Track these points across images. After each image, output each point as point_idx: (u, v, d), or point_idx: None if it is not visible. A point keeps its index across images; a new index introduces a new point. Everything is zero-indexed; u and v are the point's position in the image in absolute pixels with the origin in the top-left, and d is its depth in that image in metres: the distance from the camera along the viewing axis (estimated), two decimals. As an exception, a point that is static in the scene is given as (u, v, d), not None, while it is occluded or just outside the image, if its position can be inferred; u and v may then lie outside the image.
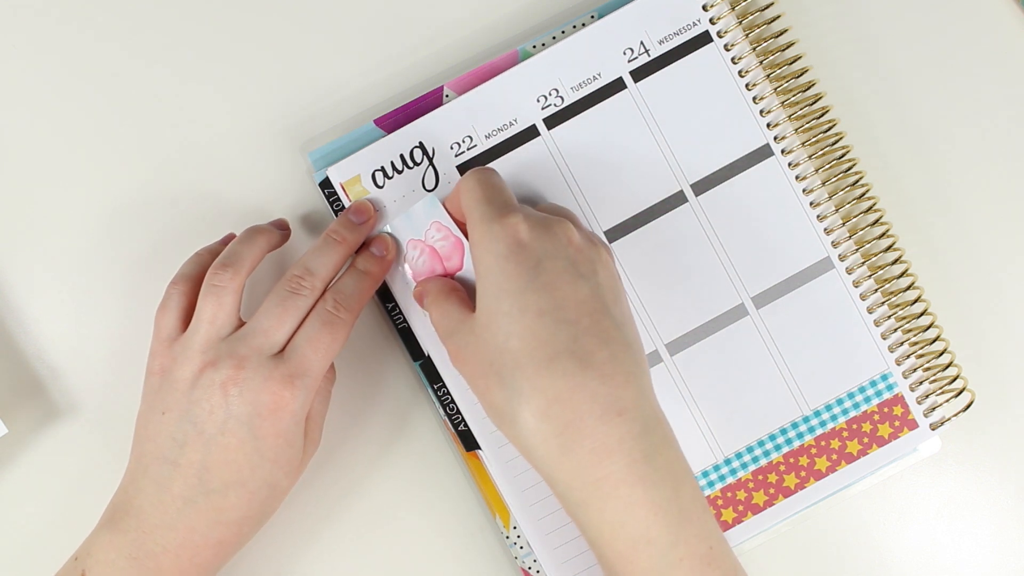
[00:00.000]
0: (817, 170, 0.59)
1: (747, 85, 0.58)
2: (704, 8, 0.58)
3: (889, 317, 0.59)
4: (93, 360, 0.60)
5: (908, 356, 0.59)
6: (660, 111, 0.58)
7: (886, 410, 0.59)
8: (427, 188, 0.57)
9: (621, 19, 0.58)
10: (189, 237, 0.59)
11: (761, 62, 0.58)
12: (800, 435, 0.59)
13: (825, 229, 0.58)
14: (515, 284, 0.49)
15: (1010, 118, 0.61)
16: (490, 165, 0.58)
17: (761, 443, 0.59)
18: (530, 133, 0.58)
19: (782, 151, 0.58)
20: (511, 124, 0.58)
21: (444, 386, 0.58)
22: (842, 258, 0.58)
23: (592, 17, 0.59)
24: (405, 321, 0.58)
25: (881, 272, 0.59)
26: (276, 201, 0.60)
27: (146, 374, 0.54)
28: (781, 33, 0.58)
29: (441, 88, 0.58)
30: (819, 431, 0.59)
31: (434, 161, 0.57)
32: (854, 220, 0.59)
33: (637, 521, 0.47)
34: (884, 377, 0.59)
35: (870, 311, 0.59)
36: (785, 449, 0.59)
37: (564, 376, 0.47)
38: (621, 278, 0.55)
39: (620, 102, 0.58)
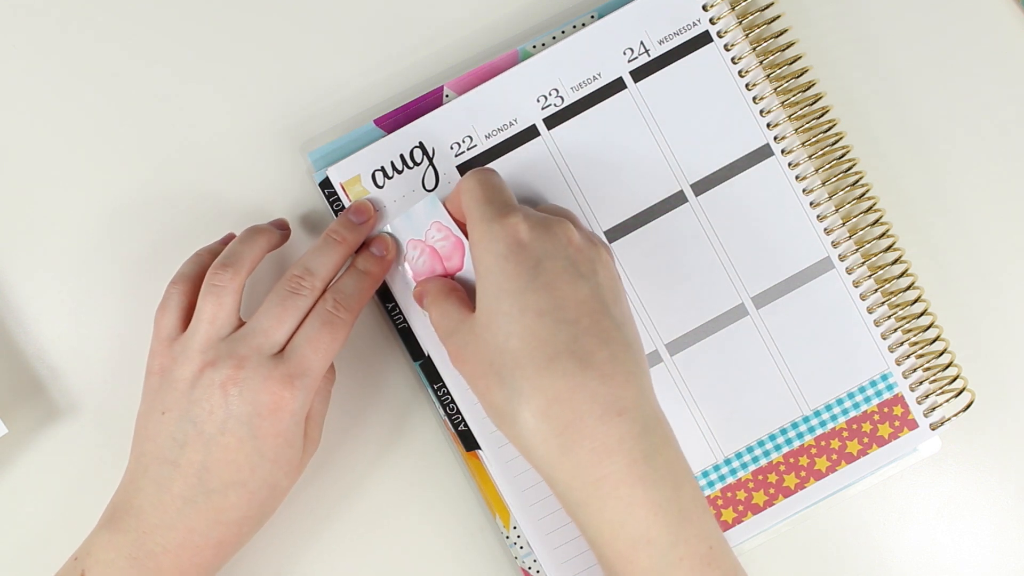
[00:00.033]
0: (817, 170, 0.59)
1: (747, 85, 0.58)
2: (704, 8, 0.58)
3: (889, 317, 0.59)
4: (93, 360, 0.60)
5: (908, 356, 0.59)
6: (660, 111, 0.58)
7: (886, 410, 0.59)
8: (427, 188, 0.57)
9: (621, 19, 0.58)
10: (189, 237, 0.59)
11: (761, 62, 0.58)
12: (800, 435, 0.59)
13: (825, 229, 0.58)
14: (515, 284, 0.49)
15: (1010, 118, 0.61)
16: (490, 165, 0.58)
17: (761, 443, 0.59)
18: (530, 133, 0.58)
19: (782, 151, 0.58)
20: (511, 124, 0.58)
21: (444, 386, 0.58)
22: (842, 258, 0.58)
23: (592, 17, 0.59)
24: (405, 321, 0.58)
25: (881, 272, 0.59)
26: (276, 201, 0.60)
27: (146, 374, 0.54)
28: (781, 33, 0.58)
29: (441, 88, 0.58)
30: (819, 431, 0.59)
31: (434, 161, 0.57)
32: (854, 220, 0.59)
33: (637, 521, 0.47)
34: (884, 377, 0.59)
35: (870, 311, 0.59)
36: (785, 449, 0.59)
37: (564, 376, 0.47)
38: (621, 278, 0.55)
39: (620, 102, 0.58)
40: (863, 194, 0.59)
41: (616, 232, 0.58)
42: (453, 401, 0.58)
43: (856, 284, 0.59)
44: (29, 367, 0.59)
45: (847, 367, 0.58)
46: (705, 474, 0.58)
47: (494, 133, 0.58)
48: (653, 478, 0.47)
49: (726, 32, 0.58)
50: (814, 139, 0.58)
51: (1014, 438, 0.62)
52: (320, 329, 0.53)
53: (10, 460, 0.59)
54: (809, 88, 0.58)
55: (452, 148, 0.57)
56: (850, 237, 0.59)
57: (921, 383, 0.59)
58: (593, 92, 0.58)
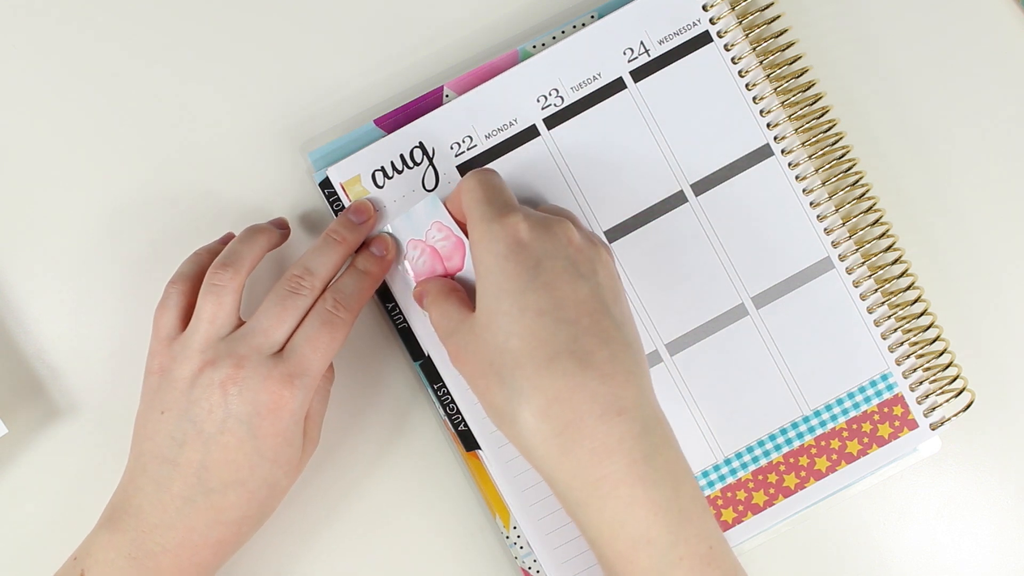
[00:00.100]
0: (817, 170, 0.59)
1: (747, 85, 0.58)
2: (704, 8, 0.58)
3: (889, 317, 0.59)
4: (93, 360, 0.60)
5: (908, 356, 0.59)
6: (660, 111, 0.58)
7: (886, 410, 0.59)
8: (427, 188, 0.57)
9: (621, 19, 0.58)
10: (189, 237, 0.59)
11: (761, 62, 0.58)
12: (800, 435, 0.59)
13: (825, 229, 0.58)
14: (515, 284, 0.49)
15: (1010, 118, 0.61)
16: (490, 165, 0.58)
17: (761, 443, 0.58)
18: (530, 133, 0.58)
19: (782, 151, 0.58)
20: (511, 124, 0.58)
21: (444, 386, 0.58)
22: (842, 258, 0.58)
23: (592, 17, 0.59)
24: (405, 321, 0.58)
25: (881, 272, 0.59)
26: (276, 201, 0.60)
27: (145, 373, 0.54)
28: (781, 33, 0.58)
29: (441, 88, 0.58)
30: (819, 431, 0.59)
31: (434, 161, 0.57)
32: (854, 220, 0.59)
33: (637, 521, 0.47)
34: (884, 377, 0.59)
35: (870, 311, 0.59)
36: (785, 449, 0.59)
37: (564, 376, 0.47)
38: (621, 278, 0.55)
39: (620, 102, 0.58)
40: (863, 194, 0.59)
41: (616, 232, 0.58)
42: (453, 401, 0.58)
43: (856, 284, 0.59)
44: (29, 367, 0.59)
45: (847, 367, 0.58)
46: (705, 474, 0.58)
47: (494, 133, 0.58)
48: (653, 478, 0.47)
49: (726, 32, 0.58)
50: (814, 139, 0.58)
51: (1014, 438, 0.62)
52: (320, 329, 0.53)
53: (10, 460, 0.59)
54: (809, 88, 0.58)
55: (452, 148, 0.57)
56: (850, 237, 0.59)
57: (921, 383, 0.59)
58: (593, 92, 0.58)
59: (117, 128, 0.60)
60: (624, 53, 0.58)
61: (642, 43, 0.58)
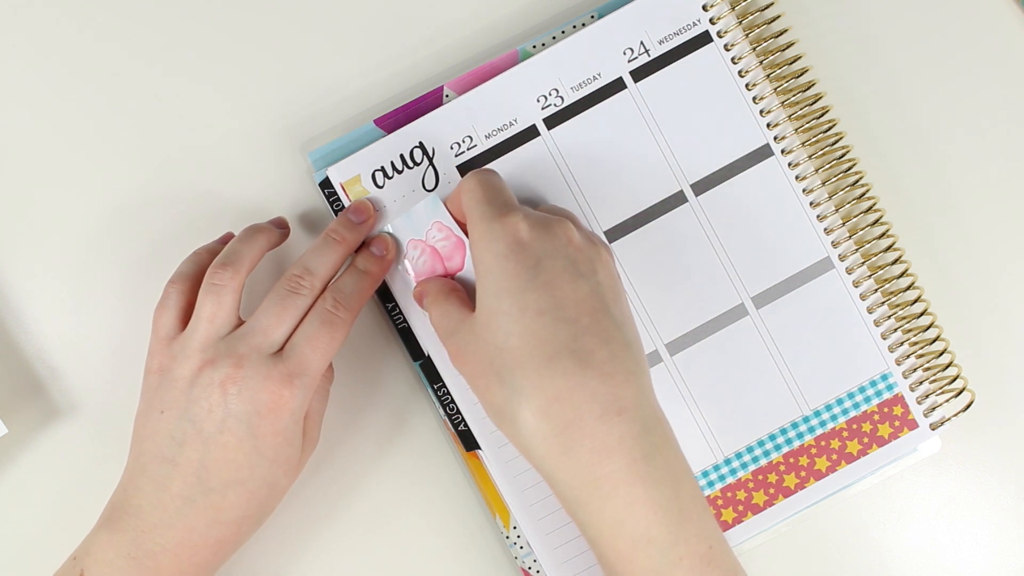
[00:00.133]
0: (817, 170, 0.59)
1: (747, 85, 0.58)
2: (704, 8, 0.58)
3: (889, 317, 0.59)
4: (93, 360, 0.60)
5: (908, 356, 0.59)
6: (660, 111, 0.58)
7: (886, 410, 0.59)
8: (427, 188, 0.57)
9: (621, 19, 0.58)
10: (189, 237, 0.59)
11: (761, 62, 0.58)
12: (800, 435, 0.59)
13: (825, 229, 0.58)
14: (515, 283, 0.49)
15: (1010, 118, 0.61)
16: (490, 165, 0.58)
17: (761, 443, 0.58)
18: (530, 133, 0.58)
19: (782, 151, 0.58)
20: (511, 124, 0.58)
21: (444, 386, 0.58)
22: (842, 258, 0.58)
23: (592, 17, 0.59)
24: (405, 321, 0.58)
25: (881, 272, 0.59)
26: (276, 201, 0.60)
27: (145, 373, 0.54)
28: (781, 33, 0.58)
29: (441, 88, 0.58)
30: (819, 431, 0.59)
31: (434, 161, 0.57)
32: (854, 220, 0.59)
33: (637, 520, 0.47)
34: (884, 377, 0.59)
35: (870, 311, 0.59)
36: (785, 449, 0.59)
37: (564, 375, 0.47)
38: (621, 278, 0.55)
39: (620, 102, 0.58)
40: (863, 194, 0.59)
41: (616, 232, 0.58)
42: (453, 401, 0.58)
43: (856, 284, 0.59)
44: (29, 367, 0.59)
45: (847, 367, 0.58)
46: (705, 474, 0.58)
47: (494, 133, 0.58)
48: (653, 477, 0.47)
49: (726, 32, 0.58)
50: (814, 139, 0.59)
51: (1014, 438, 0.62)
52: (319, 328, 0.53)
53: (10, 460, 0.59)
54: (809, 88, 0.58)
55: (452, 148, 0.57)
56: (850, 237, 0.59)
57: (921, 383, 0.59)
58: (593, 92, 0.58)
59: (117, 128, 0.60)
60: (624, 53, 0.58)
61: (642, 43, 0.58)
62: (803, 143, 0.58)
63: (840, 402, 0.59)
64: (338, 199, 0.58)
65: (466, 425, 0.58)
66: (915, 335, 0.59)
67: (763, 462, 0.59)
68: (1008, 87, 0.62)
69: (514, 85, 0.57)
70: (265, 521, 0.54)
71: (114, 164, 0.60)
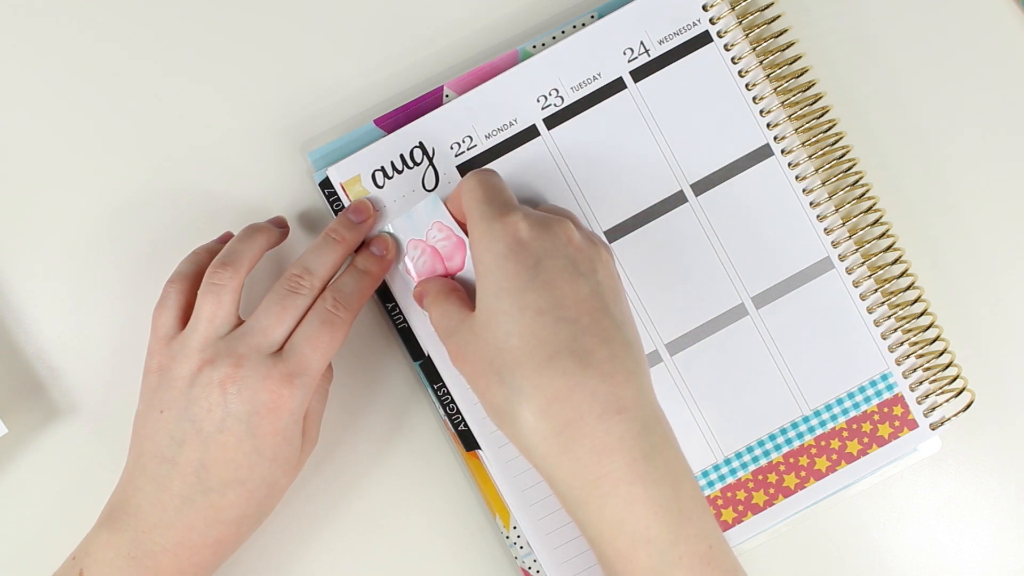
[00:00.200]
0: (817, 170, 0.59)
1: (747, 85, 0.58)
2: (704, 8, 0.58)
3: (889, 317, 0.59)
4: (93, 360, 0.60)
5: (908, 356, 0.59)
6: (660, 111, 0.58)
7: (886, 410, 0.59)
8: (427, 188, 0.57)
9: (621, 19, 0.58)
10: (189, 237, 0.59)
11: (761, 62, 0.58)
12: (800, 435, 0.59)
13: (825, 229, 0.58)
14: (515, 283, 0.49)
15: (1010, 118, 0.61)
16: (490, 165, 0.58)
17: (761, 443, 0.58)
18: (530, 133, 0.58)
19: (782, 151, 0.58)
20: (511, 124, 0.58)
21: (444, 386, 0.58)
22: (842, 258, 0.58)
23: (592, 17, 0.59)
24: (405, 321, 0.58)
25: (881, 272, 0.59)
26: (276, 201, 0.60)
27: (144, 373, 0.54)
28: (781, 33, 0.58)
29: (441, 88, 0.58)
30: (819, 431, 0.59)
31: (434, 161, 0.57)
32: (854, 220, 0.59)
33: (637, 520, 0.47)
34: (884, 377, 0.59)
35: (870, 311, 0.59)
36: (785, 449, 0.59)
37: (564, 375, 0.47)
38: (621, 278, 0.55)
39: (620, 102, 0.58)
40: (863, 194, 0.59)
41: (616, 232, 0.58)
42: (453, 401, 0.58)
43: (856, 284, 0.59)
44: (29, 367, 0.59)
45: (847, 367, 0.58)
46: (705, 474, 0.58)
47: (494, 133, 0.58)
48: (653, 477, 0.47)
49: (726, 32, 0.58)
50: (814, 139, 0.59)
51: (1014, 438, 0.62)
52: (319, 328, 0.53)
53: (10, 460, 0.59)
54: (809, 88, 0.58)
55: (452, 148, 0.57)
56: (850, 237, 0.59)
57: (921, 383, 0.59)
58: (593, 92, 0.58)
59: (117, 128, 0.60)
60: (624, 53, 0.58)
61: (642, 43, 0.58)
62: (803, 143, 0.58)
63: (840, 402, 0.59)
64: (338, 199, 0.58)
65: (466, 425, 0.58)
66: (915, 335, 0.59)
67: (763, 462, 0.59)
68: (1008, 87, 0.62)
69: (514, 85, 0.58)
70: (264, 521, 0.54)
71: (114, 164, 0.60)
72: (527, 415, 0.48)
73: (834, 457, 0.59)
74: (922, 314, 0.59)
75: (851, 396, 0.59)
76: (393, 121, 0.58)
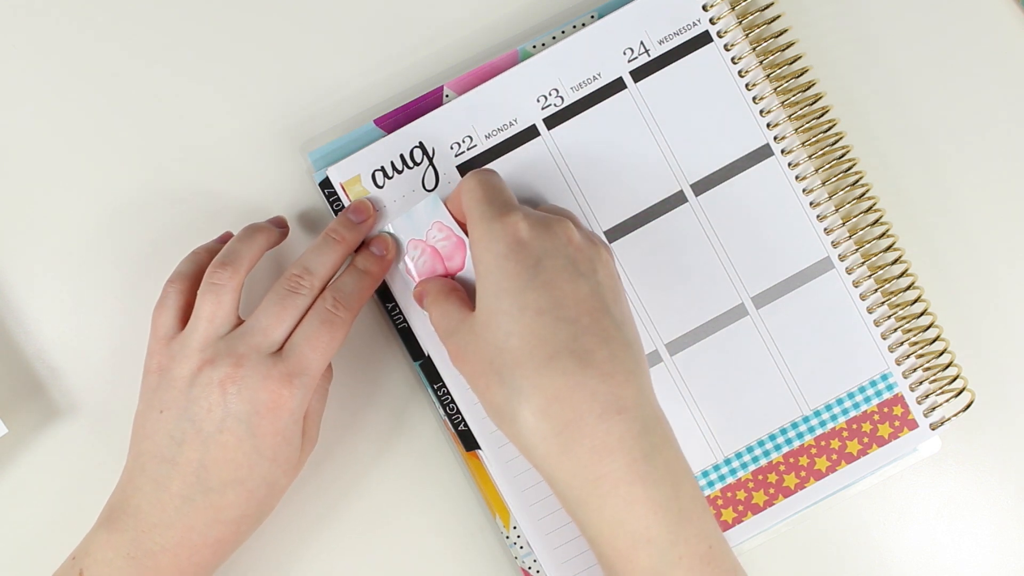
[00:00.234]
0: (817, 170, 0.59)
1: (747, 85, 0.58)
2: (704, 8, 0.58)
3: (889, 317, 0.59)
4: (93, 360, 0.60)
5: (908, 356, 0.59)
6: (660, 111, 0.58)
7: (886, 410, 0.59)
8: (427, 188, 0.57)
9: (621, 19, 0.58)
10: (189, 237, 0.59)
11: (761, 62, 0.58)
12: (800, 435, 0.59)
13: (825, 229, 0.58)
14: (515, 283, 0.49)
15: (1010, 118, 0.61)
16: (490, 165, 0.58)
17: (761, 443, 0.58)
18: (530, 133, 0.58)
19: (782, 151, 0.58)
20: (511, 124, 0.58)
21: (444, 386, 0.58)
22: (842, 258, 0.58)
23: (592, 17, 0.59)
24: (405, 321, 0.58)
25: (881, 272, 0.59)
26: (276, 201, 0.60)
27: (144, 373, 0.54)
28: (781, 33, 0.58)
29: (441, 88, 0.58)
30: (819, 431, 0.59)
31: (434, 161, 0.57)
32: (854, 220, 0.59)
33: (637, 520, 0.47)
34: (884, 377, 0.59)
35: (870, 311, 0.59)
36: (785, 449, 0.59)
37: (564, 374, 0.47)
38: (621, 278, 0.55)
39: (620, 102, 0.58)
40: (863, 194, 0.59)
41: (616, 232, 0.58)
42: (453, 401, 0.58)
43: (856, 284, 0.59)
44: (29, 367, 0.59)
45: (847, 367, 0.58)
46: (705, 474, 0.58)
47: (494, 133, 0.58)
48: (653, 477, 0.47)
49: (726, 32, 0.58)
50: (814, 139, 0.59)
51: (1014, 438, 0.62)
52: (319, 328, 0.53)
53: (10, 460, 0.59)
54: (809, 88, 0.58)
55: (452, 148, 0.57)
56: (850, 237, 0.59)
57: (921, 383, 0.59)
58: (593, 92, 0.58)
59: (117, 128, 0.60)
60: (624, 53, 0.58)
61: (642, 43, 0.58)
62: (803, 143, 0.58)
63: (840, 402, 0.59)
64: (338, 199, 0.58)
65: (466, 425, 0.58)
66: (915, 335, 0.59)
67: (763, 462, 0.59)
68: (1008, 87, 0.62)
69: (514, 85, 0.58)
70: (264, 520, 0.54)
71: (114, 164, 0.60)
72: (527, 415, 0.48)
73: (834, 457, 0.59)
74: (922, 314, 0.59)
75: (851, 396, 0.59)
76: (393, 121, 0.58)
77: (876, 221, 0.59)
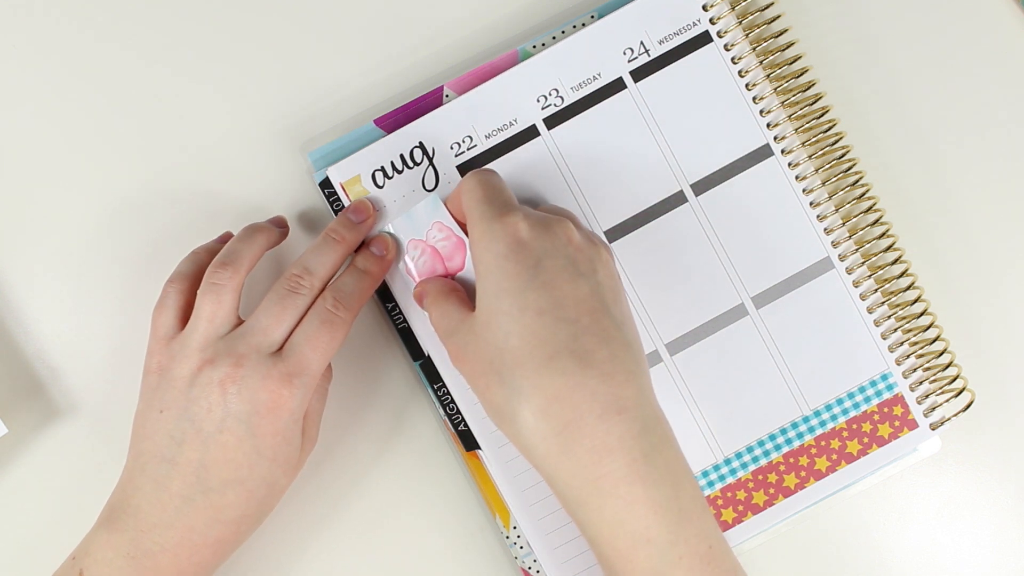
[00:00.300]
0: (817, 170, 0.59)
1: (747, 85, 0.58)
2: (704, 8, 0.58)
3: (889, 317, 0.59)
4: (93, 360, 0.60)
5: (908, 356, 0.59)
6: (660, 111, 0.58)
7: (886, 410, 0.59)
8: (427, 188, 0.57)
9: (621, 19, 0.58)
10: (189, 237, 0.59)
11: (761, 62, 0.58)
12: (800, 435, 0.59)
13: (825, 229, 0.58)
14: (515, 283, 0.49)
15: (1010, 118, 0.61)
16: (490, 165, 0.58)
17: (761, 443, 0.58)
18: (530, 133, 0.58)
19: (782, 151, 0.58)
20: (511, 124, 0.58)
21: (444, 386, 0.58)
22: (842, 258, 0.58)
23: (592, 17, 0.59)
24: (405, 321, 0.58)
25: (881, 272, 0.59)
26: (276, 201, 0.60)
27: (144, 372, 0.54)
28: (781, 33, 0.58)
29: (441, 88, 0.58)
30: (819, 431, 0.59)
31: (434, 161, 0.57)
32: (854, 220, 0.59)
33: (636, 520, 0.47)
34: (884, 377, 0.59)
35: (870, 311, 0.59)
36: (785, 449, 0.59)
37: (564, 375, 0.47)
38: (621, 278, 0.55)
39: (620, 102, 0.58)
40: (863, 194, 0.59)
41: (616, 232, 0.58)
42: (453, 401, 0.58)
43: (856, 284, 0.59)
44: (29, 367, 0.59)
45: (847, 367, 0.58)
46: (705, 474, 0.58)
47: (494, 133, 0.58)
48: (653, 477, 0.47)
49: (726, 32, 0.58)
50: (814, 139, 0.59)
51: (1014, 438, 0.62)
52: (319, 328, 0.53)
53: (10, 460, 0.59)
54: (809, 88, 0.58)
55: (452, 148, 0.57)
56: (850, 237, 0.59)
57: (921, 383, 0.59)
58: (593, 92, 0.58)
59: (117, 128, 0.60)
60: (624, 53, 0.58)
61: (642, 43, 0.58)
62: (803, 143, 0.58)
63: (840, 402, 0.59)
64: (338, 199, 0.58)
65: (466, 425, 0.58)
66: (915, 335, 0.59)
67: (763, 462, 0.59)
68: (1008, 87, 0.62)
69: (514, 85, 0.58)
70: (264, 520, 0.54)
71: (114, 164, 0.60)
72: (527, 415, 0.48)
73: (834, 457, 0.59)
74: (922, 314, 0.59)
75: (851, 396, 0.59)
76: (393, 121, 0.58)
77: (876, 221, 0.59)
